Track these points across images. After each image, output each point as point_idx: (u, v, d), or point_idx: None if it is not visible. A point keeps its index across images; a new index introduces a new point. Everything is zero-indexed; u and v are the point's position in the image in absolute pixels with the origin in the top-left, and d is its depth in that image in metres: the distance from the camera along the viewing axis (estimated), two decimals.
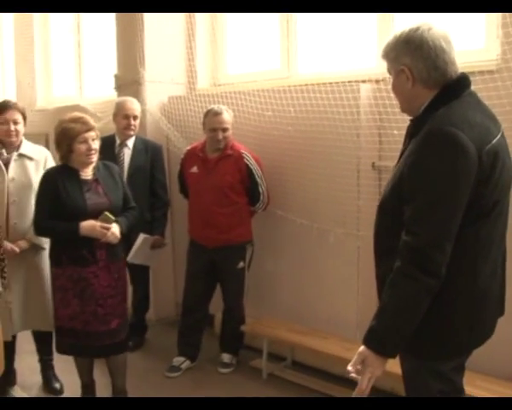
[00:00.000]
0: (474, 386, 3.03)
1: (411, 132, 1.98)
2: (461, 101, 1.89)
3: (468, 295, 1.91)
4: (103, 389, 3.63)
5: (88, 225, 3.23)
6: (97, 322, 3.29)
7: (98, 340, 3.32)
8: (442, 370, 2.01)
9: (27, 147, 3.60)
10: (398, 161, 2.04)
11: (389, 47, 1.97)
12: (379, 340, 1.89)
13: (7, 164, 3.49)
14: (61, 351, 3.44)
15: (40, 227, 3.32)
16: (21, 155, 3.55)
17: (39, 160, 3.61)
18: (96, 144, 3.31)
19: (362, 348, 1.92)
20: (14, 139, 3.52)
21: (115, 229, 3.30)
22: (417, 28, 1.89)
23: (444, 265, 1.82)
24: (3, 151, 3.52)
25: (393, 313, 1.87)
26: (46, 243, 3.51)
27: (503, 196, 1.94)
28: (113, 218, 3.29)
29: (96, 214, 3.26)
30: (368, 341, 1.91)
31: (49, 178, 3.33)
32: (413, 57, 1.89)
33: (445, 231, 1.81)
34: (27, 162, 3.56)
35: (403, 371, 2.13)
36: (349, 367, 1.92)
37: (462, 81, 1.93)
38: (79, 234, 3.22)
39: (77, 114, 3.37)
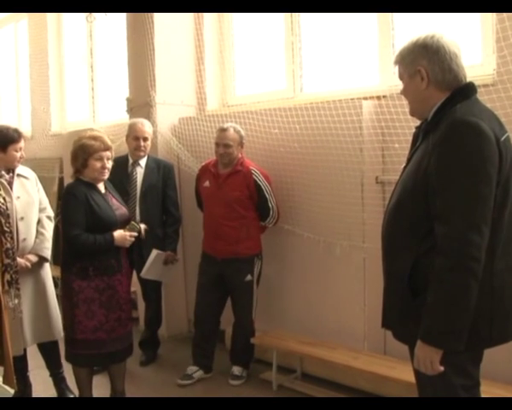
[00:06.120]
0: None
1: (426, 129, 2.09)
2: (472, 101, 2.06)
3: (487, 285, 1.95)
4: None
5: (120, 236, 3.41)
6: (121, 327, 3.43)
7: (121, 343, 3.45)
8: (464, 364, 2.04)
9: (20, 168, 3.75)
10: (408, 163, 2.15)
11: (406, 51, 2.13)
12: (439, 337, 1.92)
13: (10, 184, 3.63)
14: (81, 364, 3.47)
15: (80, 242, 3.30)
16: (19, 175, 3.70)
17: (32, 179, 3.79)
18: (109, 164, 3.46)
19: (421, 346, 1.95)
20: (19, 163, 3.69)
21: None
22: (433, 35, 2.08)
23: (483, 248, 1.90)
24: (4, 173, 3.64)
25: (447, 307, 1.89)
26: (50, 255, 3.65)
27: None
28: (138, 226, 3.53)
29: (121, 224, 3.45)
30: (428, 339, 1.94)
31: (76, 192, 3.36)
32: (430, 60, 2.06)
33: (481, 215, 1.90)
34: (25, 181, 3.72)
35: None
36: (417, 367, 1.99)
37: (471, 86, 2.10)
38: (114, 245, 3.38)
39: (96, 132, 3.51)
